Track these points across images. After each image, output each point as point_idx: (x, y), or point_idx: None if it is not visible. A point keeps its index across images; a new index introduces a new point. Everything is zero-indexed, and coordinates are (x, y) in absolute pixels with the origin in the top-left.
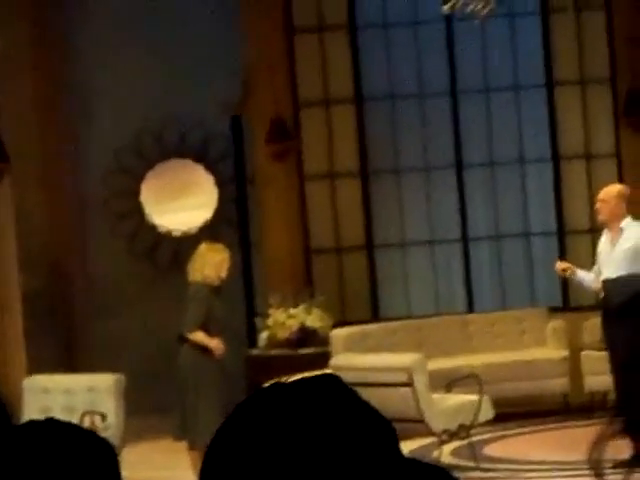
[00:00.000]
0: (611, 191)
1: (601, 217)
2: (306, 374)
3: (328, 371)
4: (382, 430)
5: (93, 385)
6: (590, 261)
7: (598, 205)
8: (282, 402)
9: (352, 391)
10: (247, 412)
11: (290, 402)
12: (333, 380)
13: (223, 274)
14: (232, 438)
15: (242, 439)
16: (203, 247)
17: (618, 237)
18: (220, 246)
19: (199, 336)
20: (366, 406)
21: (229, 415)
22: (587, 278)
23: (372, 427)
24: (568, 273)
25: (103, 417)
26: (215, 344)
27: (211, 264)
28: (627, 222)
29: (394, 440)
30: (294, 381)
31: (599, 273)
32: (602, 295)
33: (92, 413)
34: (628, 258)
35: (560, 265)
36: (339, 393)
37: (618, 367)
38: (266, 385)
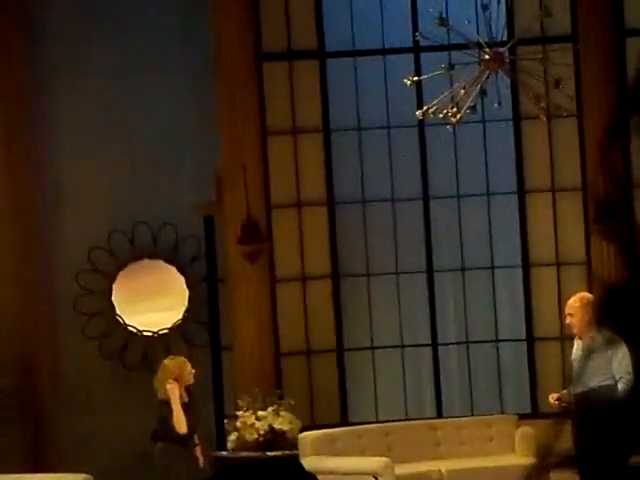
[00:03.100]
0: (576, 303)
1: (574, 330)
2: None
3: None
4: None
5: None
6: (558, 367)
7: (568, 320)
8: None
9: (312, 475)
10: None
11: None
12: (294, 464)
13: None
14: None
15: None
16: (165, 362)
17: None
18: (180, 359)
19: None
20: None
21: None
22: None
23: None
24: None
25: None
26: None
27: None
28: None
29: None
30: (256, 463)
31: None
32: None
33: None
34: (599, 368)
35: (553, 397)
36: (299, 476)
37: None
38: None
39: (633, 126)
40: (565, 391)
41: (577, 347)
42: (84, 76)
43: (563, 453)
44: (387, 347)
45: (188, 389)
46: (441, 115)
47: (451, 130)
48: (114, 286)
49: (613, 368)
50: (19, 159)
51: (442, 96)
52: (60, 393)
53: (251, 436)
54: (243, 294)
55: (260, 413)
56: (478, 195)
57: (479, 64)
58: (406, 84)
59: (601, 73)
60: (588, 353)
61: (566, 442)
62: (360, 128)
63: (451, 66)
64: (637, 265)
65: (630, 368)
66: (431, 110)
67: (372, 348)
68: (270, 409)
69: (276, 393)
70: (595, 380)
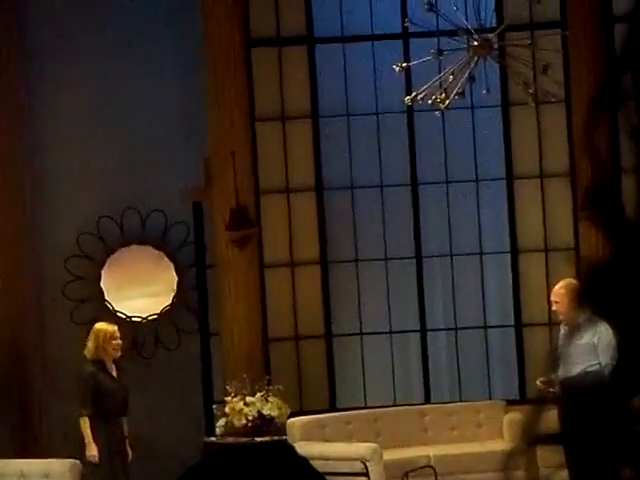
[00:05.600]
0: (561, 289)
1: (560, 317)
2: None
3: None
4: None
5: (49, 470)
6: (546, 353)
7: (554, 307)
8: (233, 465)
9: (304, 459)
10: (198, 474)
11: (241, 465)
12: (285, 447)
13: (113, 350)
14: None
15: None
16: (96, 325)
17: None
18: (111, 328)
19: (84, 427)
20: (317, 475)
21: (181, 476)
22: None
23: None
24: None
25: None
26: (91, 450)
27: (101, 340)
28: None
29: None
30: (247, 446)
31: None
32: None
33: None
34: (585, 353)
35: (540, 380)
36: (291, 460)
37: (574, 461)
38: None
39: (620, 108)
40: (554, 375)
41: (563, 332)
42: (71, 61)
43: (549, 432)
44: (375, 333)
45: (117, 362)
46: (430, 101)
47: (440, 116)
48: (103, 272)
49: (599, 355)
50: (6, 144)
51: (431, 82)
52: (48, 379)
53: (240, 422)
54: (232, 280)
55: (249, 399)
56: (466, 181)
57: (468, 50)
58: (395, 70)
59: (589, 59)
60: (571, 337)
61: (553, 425)
62: (349, 114)
63: (440, 52)
64: (623, 246)
65: (616, 354)
66: (420, 96)
67: (360, 334)
68: (259, 395)
69: (265, 379)
70: (580, 366)
